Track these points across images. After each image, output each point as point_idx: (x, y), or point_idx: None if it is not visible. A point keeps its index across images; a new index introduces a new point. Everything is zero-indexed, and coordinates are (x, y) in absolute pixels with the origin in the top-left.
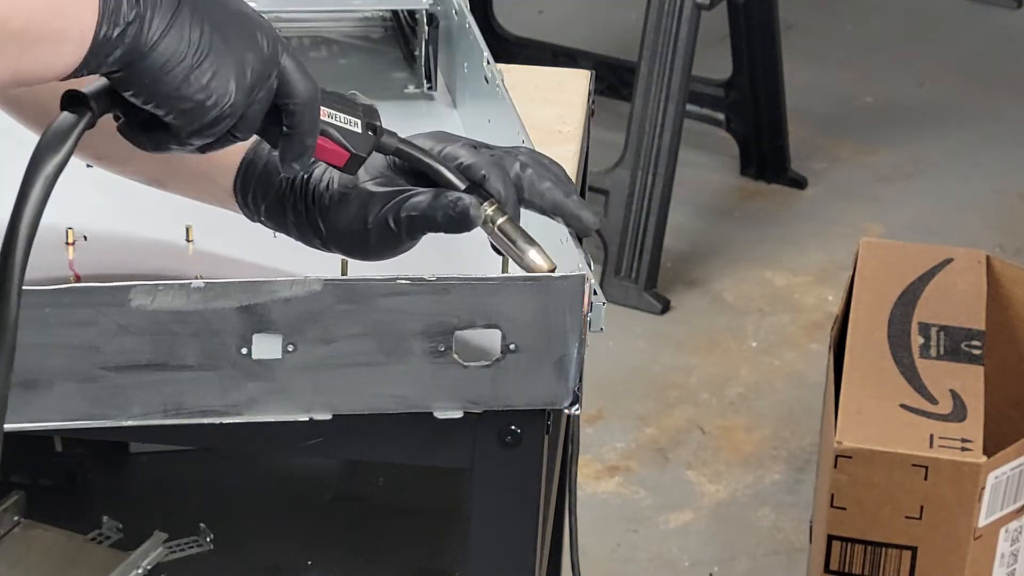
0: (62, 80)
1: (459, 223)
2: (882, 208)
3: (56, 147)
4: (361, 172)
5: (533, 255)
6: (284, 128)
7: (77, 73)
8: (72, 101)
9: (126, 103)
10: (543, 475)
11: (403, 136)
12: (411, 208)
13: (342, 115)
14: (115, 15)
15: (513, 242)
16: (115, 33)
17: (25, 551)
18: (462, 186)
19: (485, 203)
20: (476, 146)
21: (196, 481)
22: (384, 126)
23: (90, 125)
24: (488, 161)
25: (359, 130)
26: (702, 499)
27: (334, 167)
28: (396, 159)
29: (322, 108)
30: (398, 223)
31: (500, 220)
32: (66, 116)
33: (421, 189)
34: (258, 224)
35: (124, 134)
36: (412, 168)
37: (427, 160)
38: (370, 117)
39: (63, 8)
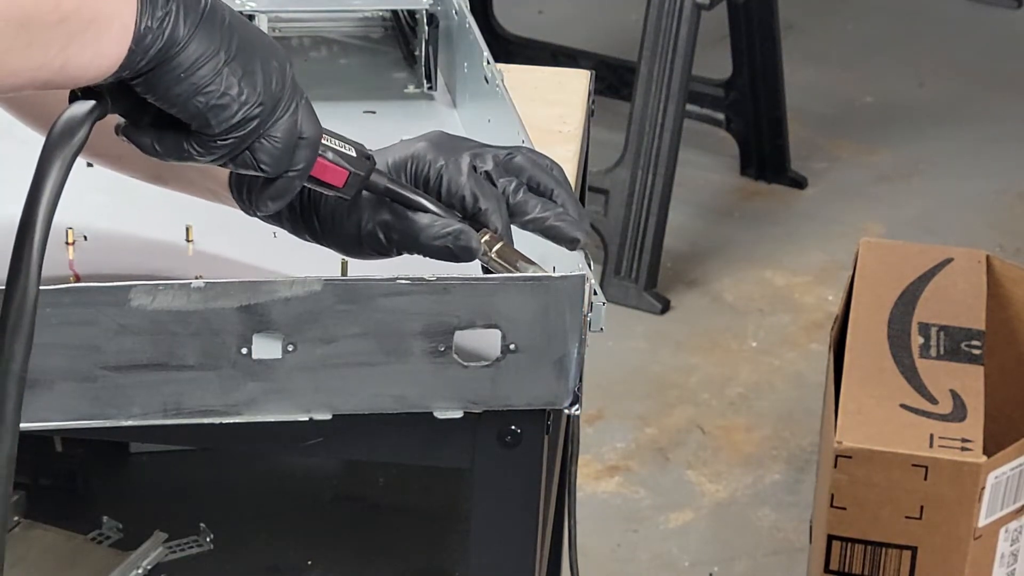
0: (104, 81)
1: (459, 257)
2: (882, 208)
3: (71, 132)
4: None
5: (533, 273)
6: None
7: (120, 70)
8: (84, 91)
9: (137, 101)
10: (543, 475)
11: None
12: (409, 234)
13: (335, 140)
14: (152, 6)
15: (513, 265)
16: (155, 24)
17: (25, 551)
18: (455, 221)
19: (479, 232)
20: (476, 166)
21: (196, 481)
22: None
23: (102, 115)
24: (485, 192)
25: (354, 154)
26: (702, 499)
27: (333, 189)
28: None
29: None
30: (390, 241)
31: (496, 247)
32: (80, 104)
33: (418, 214)
34: (258, 224)
35: (130, 136)
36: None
37: (417, 199)
38: (360, 147)
39: None
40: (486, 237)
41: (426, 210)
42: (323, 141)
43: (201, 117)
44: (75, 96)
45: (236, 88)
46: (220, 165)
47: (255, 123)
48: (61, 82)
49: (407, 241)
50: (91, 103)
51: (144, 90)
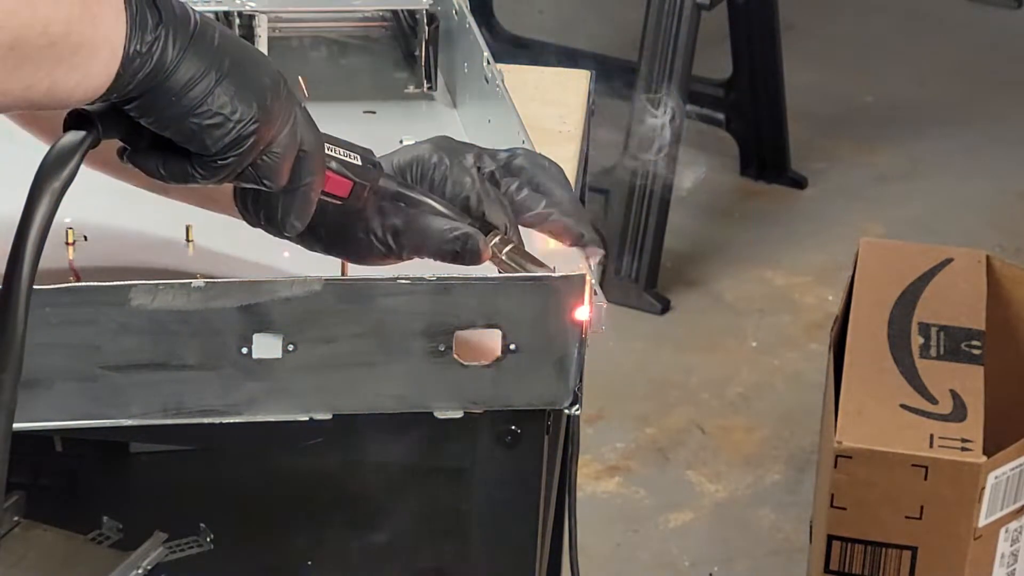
0: (90, 105)
1: (468, 259)
2: (882, 208)
3: (63, 163)
4: None
5: (534, 273)
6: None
7: (108, 93)
8: (77, 120)
9: (132, 126)
10: (543, 475)
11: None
12: (418, 237)
13: (340, 149)
14: (142, 31)
15: (522, 267)
16: (144, 49)
17: (25, 551)
18: (464, 224)
19: (488, 234)
20: (479, 167)
21: (196, 481)
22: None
23: (94, 144)
24: (489, 193)
25: (359, 163)
26: (702, 499)
27: (338, 199)
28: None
29: None
30: (400, 246)
31: (506, 249)
32: (72, 134)
33: (427, 217)
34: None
35: (134, 160)
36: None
37: (427, 201)
38: (367, 154)
39: (96, 19)
40: (495, 240)
41: (436, 213)
42: (326, 151)
43: (196, 139)
44: (68, 125)
45: (229, 107)
46: (225, 182)
47: (252, 140)
48: (50, 104)
49: (416, 245)
50: (83, 133)
51: (138, 114)
